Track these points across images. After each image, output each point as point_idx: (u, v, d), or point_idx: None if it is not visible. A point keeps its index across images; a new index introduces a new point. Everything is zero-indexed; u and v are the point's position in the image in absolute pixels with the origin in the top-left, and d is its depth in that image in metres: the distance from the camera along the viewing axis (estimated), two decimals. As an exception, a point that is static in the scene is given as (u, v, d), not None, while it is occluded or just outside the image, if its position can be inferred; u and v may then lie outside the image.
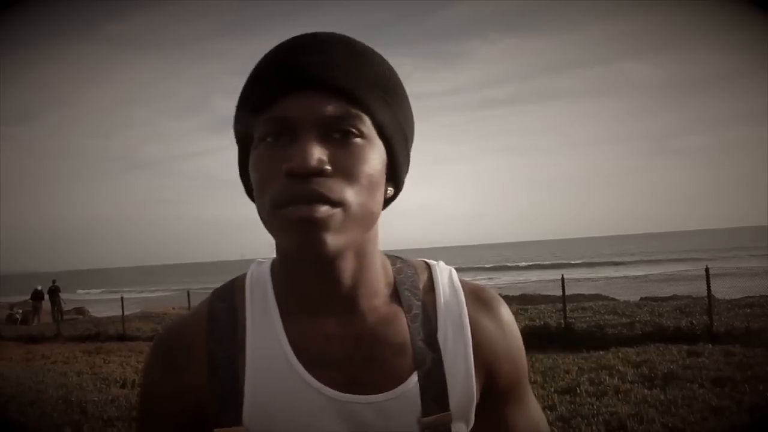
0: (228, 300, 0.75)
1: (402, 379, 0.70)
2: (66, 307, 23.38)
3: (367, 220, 0.67)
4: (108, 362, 10.83)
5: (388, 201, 0.73)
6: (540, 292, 19.19)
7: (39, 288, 22.76)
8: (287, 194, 0.62)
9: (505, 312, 0.79)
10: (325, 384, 0.69)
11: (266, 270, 0.76)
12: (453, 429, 0.72)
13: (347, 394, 0.69)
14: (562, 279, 12.10)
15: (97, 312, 25.23)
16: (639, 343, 8.94)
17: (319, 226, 0.61)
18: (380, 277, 0.74)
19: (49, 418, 6.28)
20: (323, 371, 0.70)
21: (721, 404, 5.43)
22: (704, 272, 10.27)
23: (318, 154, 0.62)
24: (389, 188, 0.71)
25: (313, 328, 0.71)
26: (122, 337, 15.23)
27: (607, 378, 6.84)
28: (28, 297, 23.63)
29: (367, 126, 0.66)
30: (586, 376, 7.04)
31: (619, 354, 8.19)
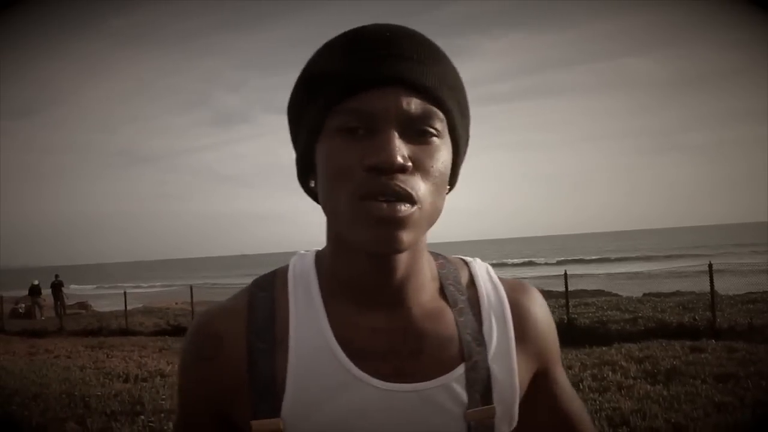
0: (269, 290, 0.75)
1: (448, 370, 0.71)
2: (69, 302, 23.39)
3: (435, 218, 0.68)
4: (111, 357, 10.85)
5: None
6: (542, 288, 19.18)
7: (36, 283, 22.66)
8: (370, 188, 0.62)
9: (541, 299, 0.82)
10: (371, 375, 0.69)
11: (310, 262, 0.76)
12: (496, 424, 0.73)
13: (393, 383, 0.70)
14: (565, 274, 12.10)
15: (100, 307, 25.27)
16: (642, 339, 8.95)
17: (399, 224, 0.63)
18: (427, 271, 0.75)
19: (52, 413, 6.30)
20: (369, 363, 0.70)
21: (724, 400, 5.43)
22: (707, 268, 10.26)
23: (402, 150, 0.63)
24: (447, 185, 0.72)
25: (358, 320, 0.72)
26: (125, 332, 15.28)
27: (610, 374, 6.84)
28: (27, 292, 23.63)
29: (443, 125, 0.67)
30: (588, 371, 7.04)
31: (622, 350, 8.19)
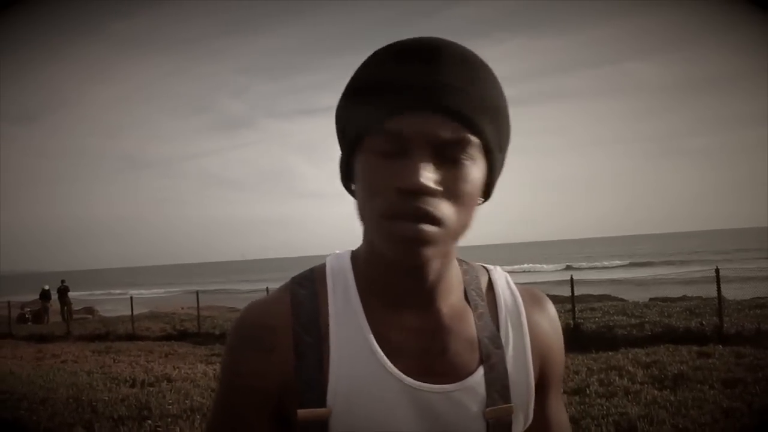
0: (309, 287, 0.78)
1: (470, 371, 0.76)
2: (75, 307, 23.56)
3: (461, 233, 0.72)
4: (117, 362, 10.90)
5: None
6: (548, 293, 18.96)
7: (47, 288, 23.02)
8: (396, 209, 0.66)
9: (554, 310, 0.87)
10: (403, 372, 0.74)
11: (347, 262, 0.80)
12: (513, 421, 0.77)
13: (422, 383, 0.74)
14: (571, 279, 12.07)
15: (106, 312, 25.37)
16: (649, 344, 8.93)
17: (422, 242, 0.66)
18: (454, 276, 0.79)
19: (60, 417, 6.33)
20: (402, 360, 0.74)
21: (732, 405, 5.42)
22: (713, 273, 10.23)
23: (429, 174, 0.65)
24: (480, 198, 0.74)
25: (393, 319, 0.76)
26: (131, 337, 15.32)
27: (617, 379, 6.84)
28: (37, 296, 23.91)
29: (477, 148, 0.69)
30: (595, 376, 7.04)
31: (629, 355, 8.18)
